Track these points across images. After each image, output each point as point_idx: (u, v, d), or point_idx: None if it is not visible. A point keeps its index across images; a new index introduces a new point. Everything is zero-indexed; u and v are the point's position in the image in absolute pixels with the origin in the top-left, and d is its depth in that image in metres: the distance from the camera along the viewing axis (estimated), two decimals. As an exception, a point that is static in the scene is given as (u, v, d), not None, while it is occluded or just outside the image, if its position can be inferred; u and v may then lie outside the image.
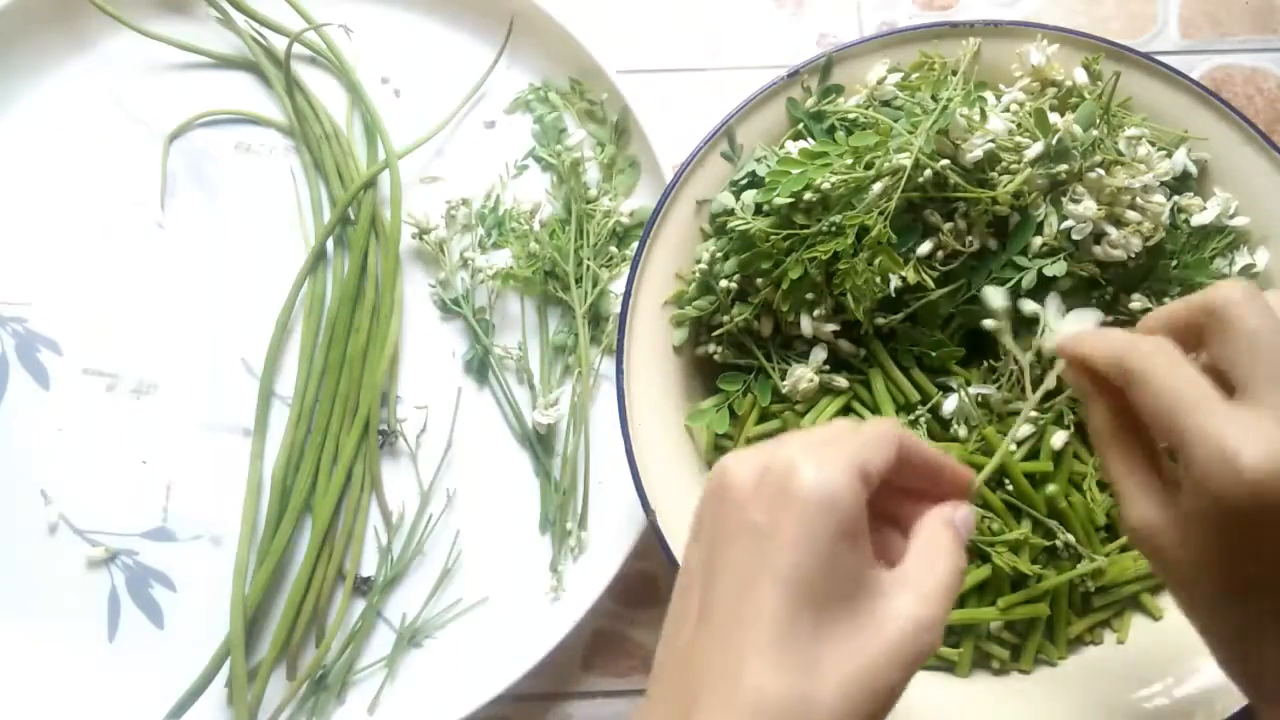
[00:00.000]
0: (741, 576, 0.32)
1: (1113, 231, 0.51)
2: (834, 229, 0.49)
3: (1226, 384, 0.34)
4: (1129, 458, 0.37)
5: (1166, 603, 0.53)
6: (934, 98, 0.51)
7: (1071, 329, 0.40)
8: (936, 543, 0.35)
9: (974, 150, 0.50)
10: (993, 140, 0.50)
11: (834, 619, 0.31)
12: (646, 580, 0.60)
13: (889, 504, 0.37)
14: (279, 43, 0.65)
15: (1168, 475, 0.37)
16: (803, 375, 0.52)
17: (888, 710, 0.32)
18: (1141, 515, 0.36)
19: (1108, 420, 0.38)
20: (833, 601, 0.31)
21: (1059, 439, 0.52)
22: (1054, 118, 0.51)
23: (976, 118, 0.50)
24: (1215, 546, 0.34)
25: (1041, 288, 0.50)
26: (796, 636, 0.30)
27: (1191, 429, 0.32)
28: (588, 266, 0.61)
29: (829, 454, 0.32)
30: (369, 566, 0.59)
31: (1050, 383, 0.52)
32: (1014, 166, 0.50)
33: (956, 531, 0.36)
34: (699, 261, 0.54)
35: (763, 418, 0.54)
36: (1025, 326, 0.53)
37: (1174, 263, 0.53)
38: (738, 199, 0.53)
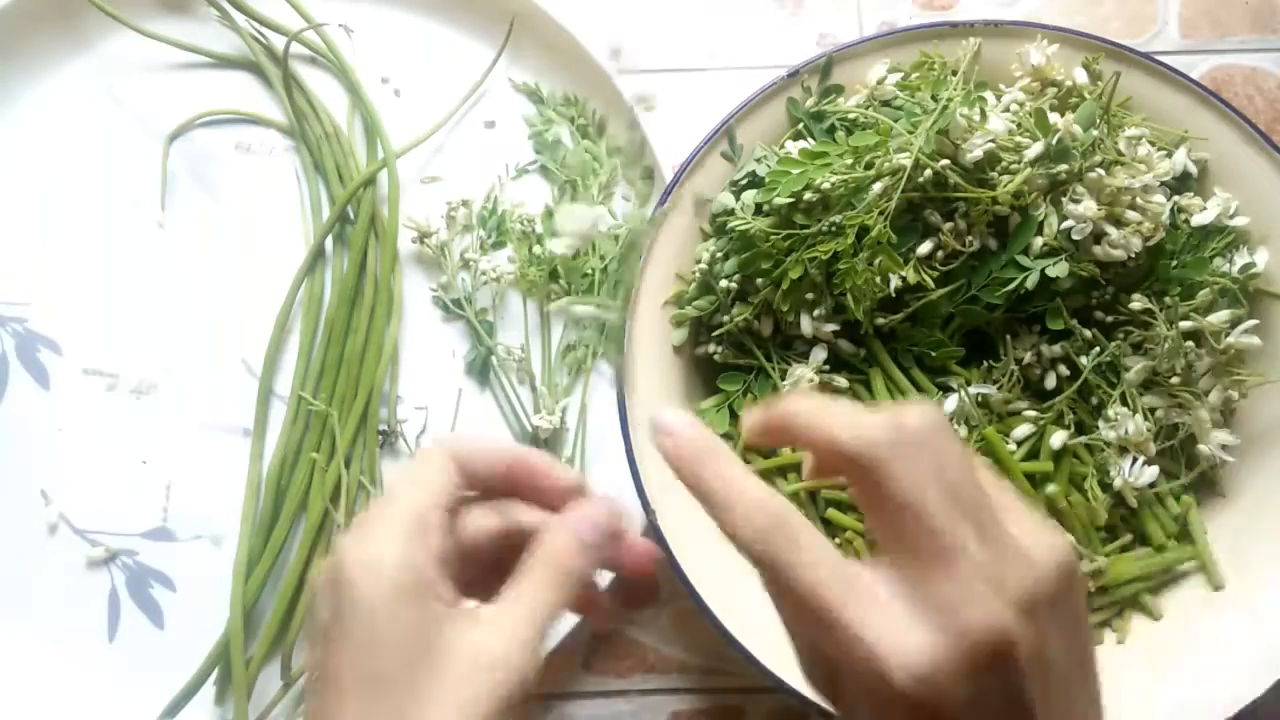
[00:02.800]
0: (321, 671, 0.31)
1: (1113, 231, 0.51)
2: (834, 229, 0.49)
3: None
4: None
5: (1166, 603, 0.53)
6: (934, 98, 0.51)
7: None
8: (531, 573, 0.33)
9: (974, 150, 0.50)
10: (993, 140, 0.50)
11: (412, 680, 0.30)
12: (646, 580, 0.60)
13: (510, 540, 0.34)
14: (279, 42, 0.65)
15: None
16: (803, 375, 0.52)
17: None
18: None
19: (831, 558, 0.31)
20: (406, 661, 0.30)
21: (1059, 439, 0.52)
22: (1054, 118, 0.51)
23: (976, 118, 0.50)
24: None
25: (1043, 288, 0.50)
26: (373, 708, 0.30)
27: (856, 628, 0.29)
28: (596, 280, 0.61)
29: (373, 525, 0.32)
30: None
31: (1050, 383, 0.52)
32: (1014, 166, 0.50)
33: (557, 547, 0.33)
34: (699, 261, 0.54)
35: (763, 418, 0.54)
36: (1024, 326, 0.53)
37: (1174, 263, 0.53)
38: (738, 199, 0.53)
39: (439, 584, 0.32)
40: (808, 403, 0.33)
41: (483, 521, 0.35)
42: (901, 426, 0.30)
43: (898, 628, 0.28)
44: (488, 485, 0.35)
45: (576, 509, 0.35)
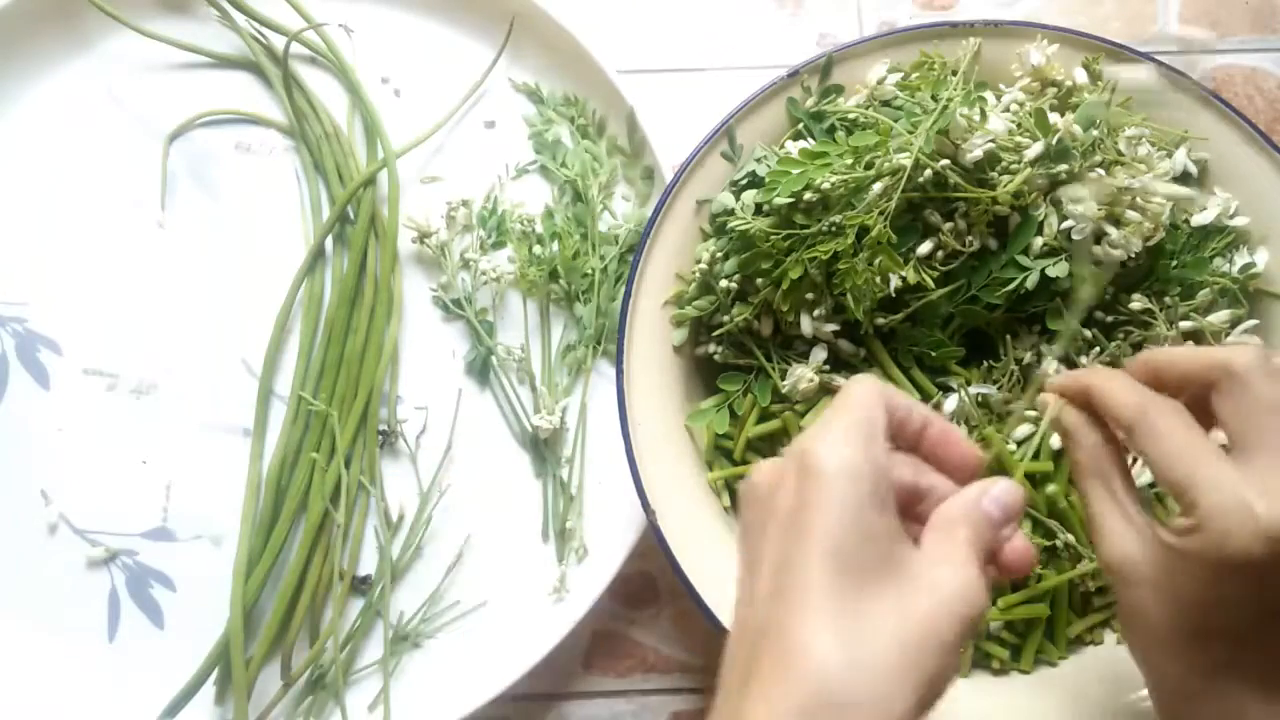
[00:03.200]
0: (783, 556, 0.32)
1: (1113, 231, 0.51)
2: (834, 229, 0.49)
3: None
4: (1111, 494, 0.39)
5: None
6: (934, 98, 0.51)
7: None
8: (954, 511, 0.35)
9: (974, 150, 0.50)
10: (993, 140, 0.50)
11: (877, 580, 0.32)
12: (646, 580, 0.60)
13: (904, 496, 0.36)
14: (279, 42, 0.65)
15: (1146, 516, 0.38)
16: (803, 375, 0.52)
17: (945, 674, 0.31)
18: (1121, 550, 0.38)
19: (1094, 455, 0.39)
20: (871, 564, 0.32)
21: (1059, 439, 0.52)
22: (1054, 118, 0.51)
23: (976, 118, 0.50)
24: (1196, 589, 0.36)
25: (1043, 288, 0.50)
26: (842, 598, 0.31)
27: (1206, 478, 0.34)
28: (596, 280, 0.61)
29: (834, 431, 0.33)
30: (369, 566, 0.59)
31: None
32: (1014, 166, 0.50)
33: (976, 513, 0.35)
34: (699, 261, 0.54)
35: (763, 418, 0.54)
36: (1024, 326, 0.53)
37: (1174, 263, 0.53)
38: (738, 199, 0.53)
39: (891, 496, 0.33)
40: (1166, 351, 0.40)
41: (899, 470, 0.36)
42: (1262, 354, 0.37)
43: (1261, 478, 0.34)
44: (899, 435, 0.37)
45: (991, 485, 0.36)
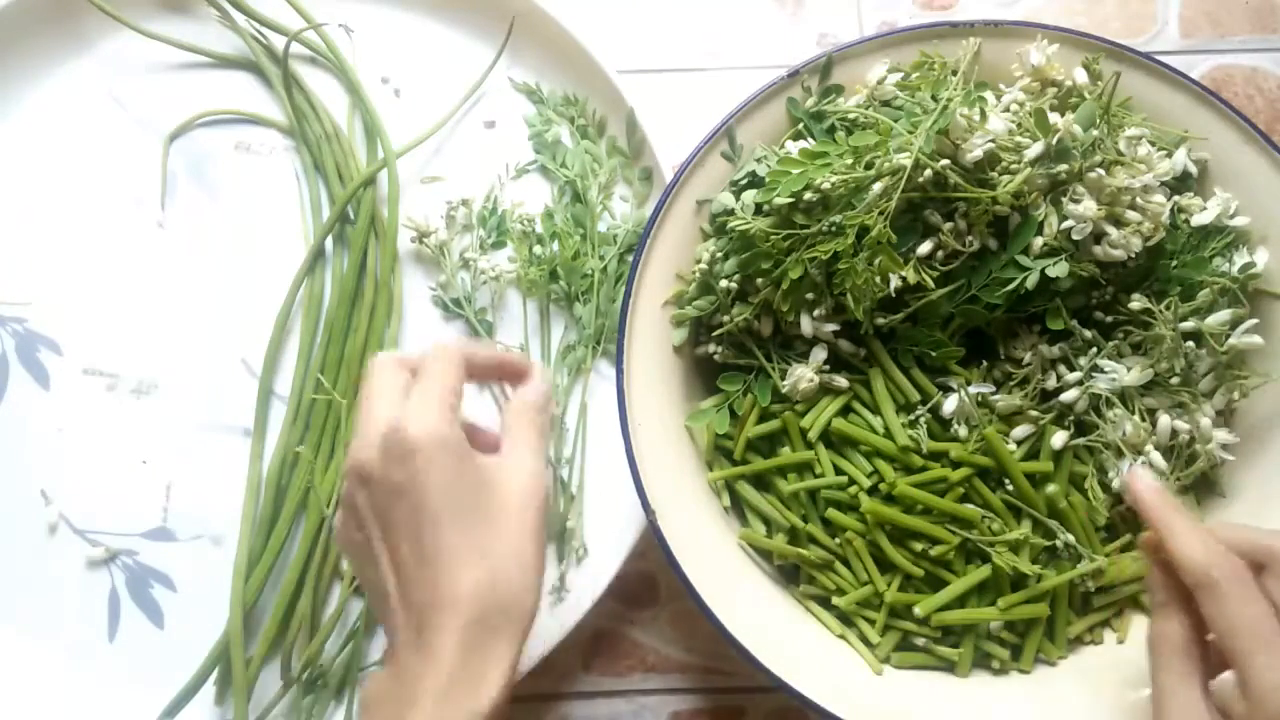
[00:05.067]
0: (411, 523, 0.40)
1: (1113, 231, 0.51)
2: (834, 229, 0.49)
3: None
4: (1185, 676, 0.41)
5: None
6: (934, 98, 0.51)
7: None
8: (515, 415, 0.45)
9: (974, 150, 0.50)
10: (993, 140, 0.50)
11: (483, 507, 0.41)
12: (646, 580, 0.60)
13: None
14: (279, 42, 0.65)
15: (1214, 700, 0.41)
16: (803, 375, 0.52)
17: (544, 529, 0.43)
18: None
19: (1178, 634, 0.41)
20: (475, 499, 0.41)
21: (1059, 439, 0.52)
22: (1054, 118, 0.51)
23: (976, 118, 0.50)
24: None
25: (1043, 288, 0.50)
26: (468, 535, 0.40)
27: (1256, 665, 0.38)
28: (596, 280, 0.61)
29: (418, 408, 0.41)
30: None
31: (1050, 383, 0.52)
32: (1014, 166, 0.50)
33: (527, 405, 0.46)
34: (699, 261, 0.54)
35: (763, 418, 0.54)
36: (1024, 326, 0.53)
37: (1174, 263, 0.53)
38: (738, 199, 0.53)
39: (468, 444, 0.42)
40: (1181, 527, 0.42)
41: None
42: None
43: None
44: (483, 375, 0.47)
45: (529, 383, 0.47)
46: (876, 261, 0.49)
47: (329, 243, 0.63)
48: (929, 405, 0.52)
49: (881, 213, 0.48)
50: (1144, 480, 0.44)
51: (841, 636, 0.52)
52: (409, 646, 0.40)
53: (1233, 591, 0.39)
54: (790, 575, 0.55)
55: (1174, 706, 0.40)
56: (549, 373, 0.47)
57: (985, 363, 0.53)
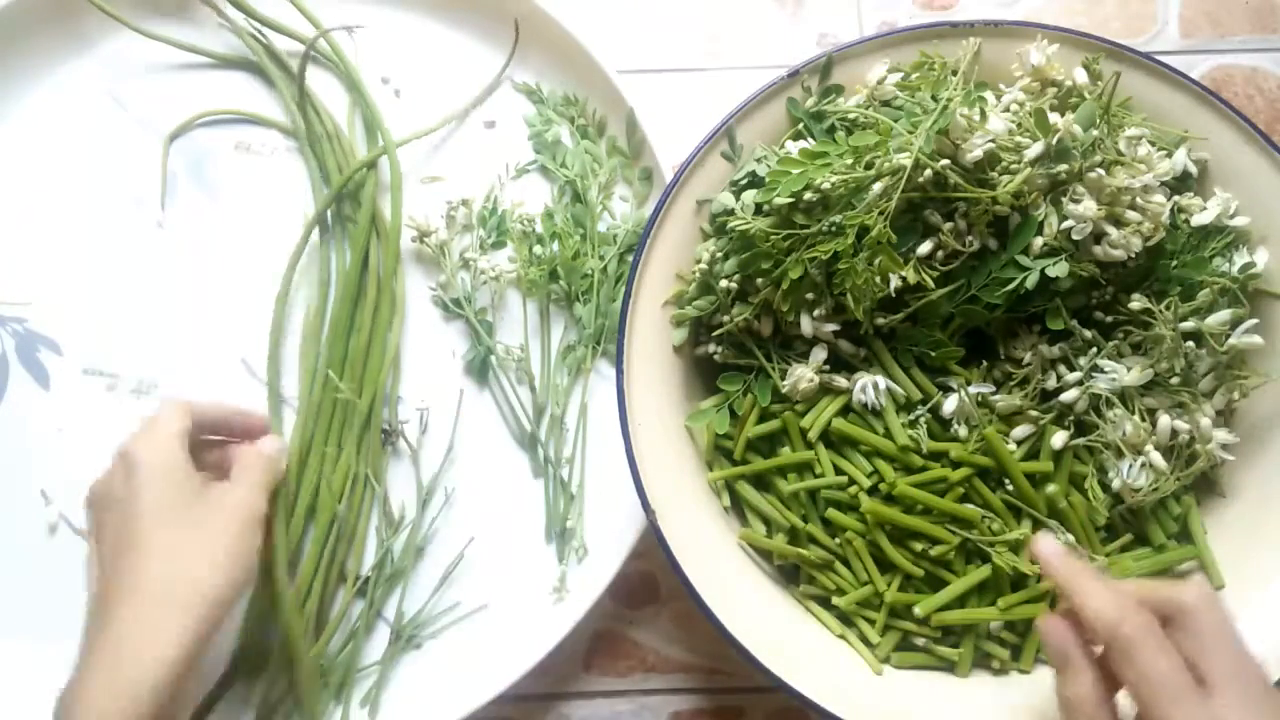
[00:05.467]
0: (123, 526, 0.48)
1: (1113, 231, 0.51)
2: (834, 229, 0.49)
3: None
4: None
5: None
6: (934, 98, 0.51)
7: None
8: (245, 458, 0.53)
9: (974, 150, 0.50)
10: (993, 140, 0.50)
11: (192, 513, 0.49)
12: (646, 580, 0.60)
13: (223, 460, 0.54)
14: (279, 42, 0.65)
15: None
16: (803, 375, 0.52)
17: (247, 554, 0.49)
18: None
19: (1091, 694, 0.41)
20: (185, 506, 0.49)
21: (1059, 439, 0.52)
22: (1054, 118, 0.51)
23: (976, 118, 0.50)
24: None
25: (1043, 288, 0.50)
26: (169, 532, 0.48)
27: (1172, 718, 0.38)
28: (596, 280, 0.61)
29: (145, 438, 0.50)
30: (369, 566, 0.59)
31: (1050, 383, 0.52)
32: (1014, 166, 0.50)
33: (258, 453, 0.53)
34: (699, 261, 0.54)
35: (763, 418, 0.54)
36: (1024, 326, 0.53)
37: (1174, 263, 0.53)
38: (738, 199, 0.53)
39: (193, 468, 0.51)
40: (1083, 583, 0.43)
41: (215, 452, 0.55)
42: (1207, 593, 0.42)
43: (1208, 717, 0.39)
44: (216, 430, 0.55)
45: (265, 438, 0.55)
46: (876, 261, 0.49)
47: (330, 242, 0.63)
48: (929, 405, 0.52)
49: (881, 213, 0.48)
50: (1048, 545, 0.44)
51: (841, 636, 0.53)
52: (95, 628, 0.46)
53: (1147, 644, 0.39)
54: (790, 575, 0.55)
55: None
56: (284, 441, 0.57)
57: (985, 363, 0.53)
